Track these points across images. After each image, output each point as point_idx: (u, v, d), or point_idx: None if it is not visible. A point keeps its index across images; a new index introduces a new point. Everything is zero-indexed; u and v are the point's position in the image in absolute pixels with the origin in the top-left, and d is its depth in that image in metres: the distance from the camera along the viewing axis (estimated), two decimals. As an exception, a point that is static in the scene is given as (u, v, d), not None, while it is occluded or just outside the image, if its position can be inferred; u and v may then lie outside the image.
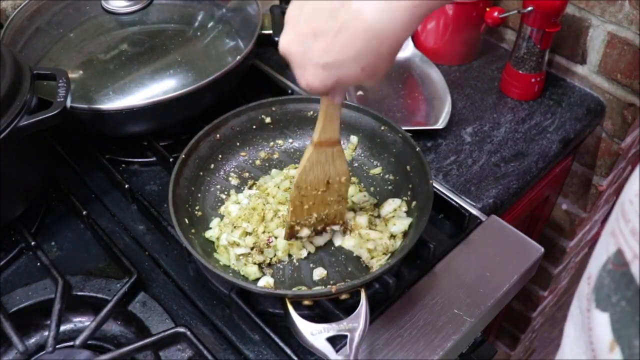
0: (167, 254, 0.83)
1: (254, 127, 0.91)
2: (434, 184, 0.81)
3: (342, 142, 0.91)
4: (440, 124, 0.99)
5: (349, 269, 0.77)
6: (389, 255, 0.76)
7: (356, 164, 0.90)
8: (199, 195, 0.84)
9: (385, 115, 0.87)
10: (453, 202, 0.85)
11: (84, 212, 0.84)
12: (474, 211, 0.87)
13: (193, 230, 0.78)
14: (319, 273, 0.76)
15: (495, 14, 1.04)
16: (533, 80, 1.06)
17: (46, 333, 0.72)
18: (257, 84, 1.06)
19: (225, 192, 0.86)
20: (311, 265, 0.78)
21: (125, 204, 0.90)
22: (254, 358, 0.73)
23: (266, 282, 0.74)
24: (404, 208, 0.81)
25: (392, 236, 0.78)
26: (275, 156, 0.91)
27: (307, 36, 0.54)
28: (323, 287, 0.73)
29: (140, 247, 0.84)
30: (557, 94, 1.10)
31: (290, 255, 0.78)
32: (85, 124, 0.89)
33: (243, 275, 0.75)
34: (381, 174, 0.88)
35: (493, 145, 0.99)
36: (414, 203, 0.81)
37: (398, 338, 0.73)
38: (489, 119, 1.04)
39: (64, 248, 0.84)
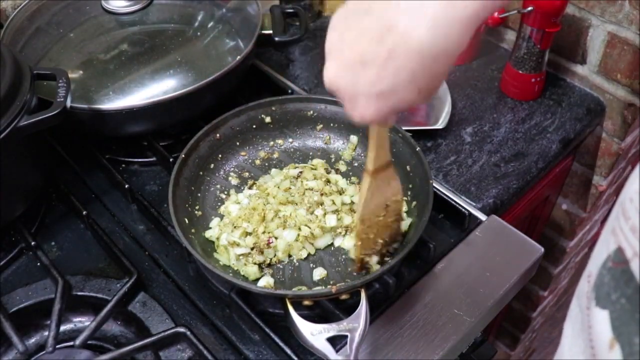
0: (167, 254, 0.83)
1: (254, 126, 0.91)
2: (434, 184, 0.81)
3: (342, 142, 0.92)
4: (440, 124, 0.99)
5: (349, 269, 0.77)
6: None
7: (356, 164, 0.90)
8: (199, 195, 0.84)
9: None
10: (453, 202, 0.85)
11: (84, 212, 0.84)
12: (474, 211, 0.86)
13: (193, 230, 0.78)
14: (319, 273, 0.76)
15: (495, 14, 1.04)
16: (533, 80, 1.06)
17: (46, 333, 0.72)
18: (257, 84, 1.06)
19: (225, 192, 0.86)
20: (311, 265, 0.78)
21: (125, 204, 0.90)
22: (254, 358, 0.73)
23: (266, 282, 0.74)
24: (404, 208, 0.81)
25: None
26: (275, 156, 0.91)
27: (354, 66, 0.50)
28: (323, 287, 0.73)
29: (140, 247, 0.84)
30: (557, 94, 1.10)
31: (290, 256, 0.78)
32: (85, 124, 0.89)
33: (243, 275, 0.75)
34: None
35: (493, 145, 0.99)
36: (414, 203, 0.80)
37: (398, 338, 0.73)
38: (489, 119, 1.04)
39: (64, 248, 0.84)
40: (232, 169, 0.89)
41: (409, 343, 0.72)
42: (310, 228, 0.78)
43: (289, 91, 1.03)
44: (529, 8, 0.98)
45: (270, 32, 1.02)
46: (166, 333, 0.71)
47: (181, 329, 0.71)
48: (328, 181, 0.85)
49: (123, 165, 0.95)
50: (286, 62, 1.16)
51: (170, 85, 0.89)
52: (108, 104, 0.86)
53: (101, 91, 0.87)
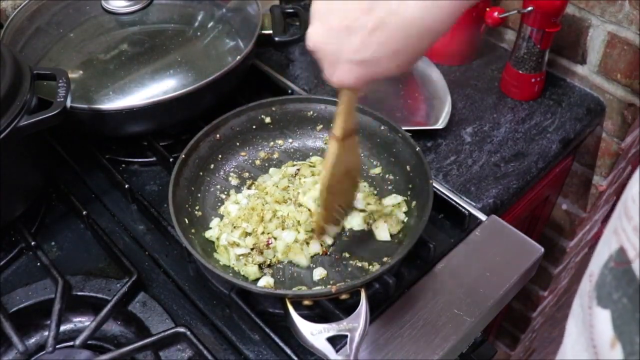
0: (167, 254, 0.83)
1: (254, 127, 0.91)
2: (434, 184, 0.81)
3: (342, 142, 0.92)
4: (440, 124, 0.99)
5: (349, 269, 0.77)
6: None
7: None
8: (199, 195, 0.84)
9: (385, 115, 0.87)
10: (453, 202, 0.85)
11: (84, 212, 0.84)
12: (474, 211, 0.86)
13: (193, 230, 0.78)
14: (319, 273, 0.76)
15: (495, 14, 1.04)
16: (533, 80, 1.06)
17: (46, 333, 0.72)
18: (257, 84, 1.06)
19: (225, 192, 0.86)
20: (311, 265, 0.78)
21: (125, 204, 0.90)
22: (254, 358, 0.73)
23: (266, 282, 0.74)
24: (404, 208, 0.81)
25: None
26: (275, 156, 0.91)
27: (339, 32, 0.51)
28: (323, 287, 0.73)
29: (140, 247, 0.84)
30: (557, 94, 1.10)
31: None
32: (85, 124, 0.89)
33: (243, 275, 0.75)
34: (381, 174, 0.88)
35: (493, 145, 0.99)
36: (414, 203, 0.81)
37: (398, 338, 0.73)
38: (489, 119, 1.04)
39: (64, 248, 0.84)
40: (232, 169, 0.89)
41: (409, 343, 0.72)
42: (302, 226, 0.78)
43: (289, 91, 1.03)
44: (529, 8, 0.98)
45: (270, 32, 1.02)
46: (166, 333, 0.71)
47: (181, 329, 0.71)
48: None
49: (123, 165, 0.95)
50: (286, 62, 1.16)
51: (170, 85, 0.89)
52: (108, 104, 0.86)
53: (101, 91, 0.87)
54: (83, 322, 0.78)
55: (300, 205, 0.80)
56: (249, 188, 0.86)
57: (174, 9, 1.02)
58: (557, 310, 1.78)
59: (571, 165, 1.23)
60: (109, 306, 0.73)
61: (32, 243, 0.81)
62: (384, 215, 0.80)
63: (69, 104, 0.77)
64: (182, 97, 0.86)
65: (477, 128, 1.02)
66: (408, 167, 0.83)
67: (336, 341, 0.65)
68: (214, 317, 0.76)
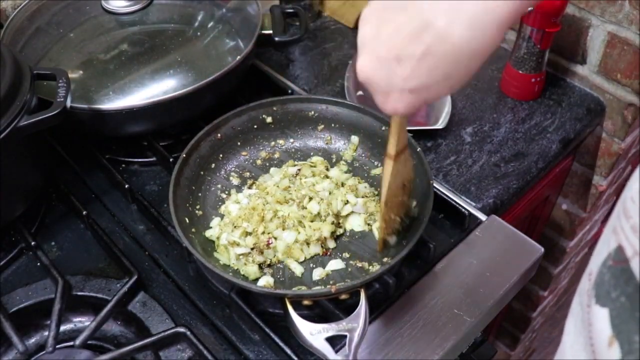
0: (167, 254, 0.83)
1: (255, 126, 0.91)
2: (434, 184, 0.81)
3: (343, 143, 0.92)
4: (440, 124, 0.99)
5: (349, 269, 0.77)
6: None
7: (357, 164, 0.90)
8: (200, 194, 0.84)
9: (386, 116, 0.87)
10: (453, 202, 0.85)
11: (84, 212, 0.84)
12: (474, 211, 0.87)
13: (193, 230, 0.78)
14: (318, 273, 0.76)
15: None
16: (533, 80, 1.06)
17: (46, 333, 0.72)
18: (257, 84, 1.06)
19: (226, 192, 0.86)
20: (311, 265, 0.78)
21: (125, 204, 0.90)
22: (254, 358, 0.73)
23: (266, 281, 0.74)
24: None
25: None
26: (276, 156, 0.91)
27: (389, 61, 0.51)
28: (323, 287, 0.73)
29: (140, 247, 0.84)
30: (557, 94, 1.10)
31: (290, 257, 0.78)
32: (85, 124, 0.89)
33: (243, 275, 0.75)
34: (381, 174, 0.88)
35: (493, 145, 0.99)
36: (414, 203, 0.81)
37: (398, 338, 0.73)
38: (489, 119, 1.04)
39: (64, 248, 0.84)
40: (233, 168, 0.89)
41: (409, 343, 0.72)
42: (304, 228, 0.78)
43: (289, 91, 1.03)
44: (529, 8, 0.98)
45: (270, 32, 1.02)
46: (166, 333, 0.71)
47: (181, 329, 0.71)
48: (327, 177, 0.85)
49: (123, 165, 0.95)
50: (286, 62, 1.16)
51: (170, 85, 0.89)
52: (108, 104, 0.86)
53: (101, 91, 0.87)
54: (83, 322, 0.78)
55: (304, 208, 0.80)
56: (249, 188, 0.86)
57: (174, 9, 1.02)
58: (557, 310, 1.78)
59: (571, 165, 1.23)
60: (109, 306, 0.73)
61: (32, 243, 0.81)
62: None
63: (69, 104, 0.77)
64: (182, 97, 0.86)
65: (477, 128, 1.02)
66: (408, 167, 0.83)
67: (335, 341, 0.65)
68: (214, 317, 0.76)
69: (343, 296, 0.71)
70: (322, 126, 0.92)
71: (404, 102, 0.53)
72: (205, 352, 0.69)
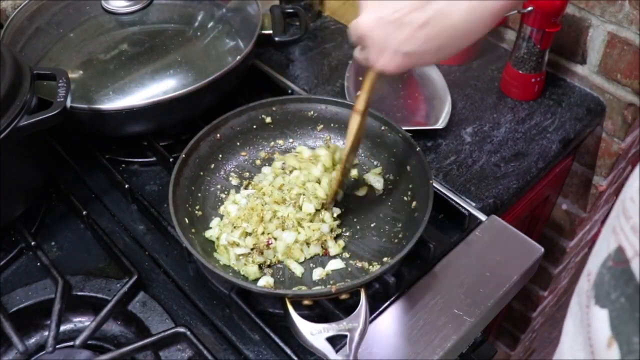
0: (167, 254, 0.83)
1: (255, 126, 0.91)
2: (434, 184, 0.81)
3: (342, 143, 0.92)
4: (440, 124, 0.99)
5: (349, 269, 0.77)
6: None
7: (356, 163, 0.90)
8: (199, 194, 0.84)
9: (385, 115, 0.87)
10: (453, 202, 0.85)
11: (84, 212, 0.84)
12: (474, 211, 0.86)
13: (193, 230, 0.78)
14: (318, 273, 0.76)
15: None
16: (533, 80, 1.06)
17: (46, 333, 0.72)
18: (257, 84, 1.06)
19: (226, 192, 0.86)
20: (311, 265, 0.78)
21: (125, 204, 0.90)
22: (254, 358, 0.73)
23: (266, 281, 0.74)
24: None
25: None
26: (276, 156, 0.91)
27: (391, 23, 0.56)
28: (323, 287, 0.73)
29: (140, 247, 0.84)
30: (557, 94, 1.10)
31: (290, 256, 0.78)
32: (85, 124, 0.89)
33: (243, 275, 0.75)
34: (381, 174, 0.88)
35: (493, 145, 0.99)
36: (414, 203, 0.81)
37: (398, 338, 0.73)
38: (489, 119, 1.04)
39: (64, 248, 0.84)
40: (232, 169, 0.89)
41: (409, 343, 0.72)
42: (304, 228, 0.78)
43: (289, 91, 1.03)
44: (529, 8, 0.98)
45: (270, 32, 1.02)
46: (166, 333, 0.71)
47: (181, 329, 0.71)
48: (316, 158, 0.86)
49: (123, 165, 0.95)
50: (286, 62, 1.16)
51: (170, 85, 0.89)
52: (108, 104, 0.86)
53: (101, 91, 0.87)
54: (83, 322, 0.78)
55: (300, 209, 0.80)
56: (245, 188, 0.86)
57: (174, 9, 1.02)
58: (557, 310, 1.78)
59: (571, 165, 1.23)
60: (109, 306, 0.73)
61: (32, 243, 0.81)
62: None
63: (69, 104, 0.77)
64: (182, 97, 0.86)
65: (477, 128, 1.02)
66: (408, 167, 0.83)
67: (336, 341, 0.65)
68: (214, 317, 0.76)
69: (343, 296, 0.71)
70: (322, 126, 0.92)
71: (395, 62, 0.59)
72: (205, 352, 0.69)
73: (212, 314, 0.77)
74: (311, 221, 0.79)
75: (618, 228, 0.37)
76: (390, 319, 0.74)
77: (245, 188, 0.86)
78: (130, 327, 0.77)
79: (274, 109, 0.91)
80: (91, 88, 0.88)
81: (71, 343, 0.71)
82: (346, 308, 0.70)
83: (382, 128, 0.87)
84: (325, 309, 0.72)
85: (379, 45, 0.59)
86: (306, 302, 0.71)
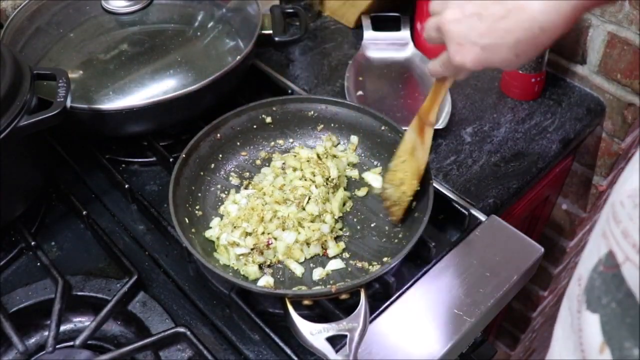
0: (167, 254, 0.83)
1: (255, 126, 0.91)
2: (434, 184, 0.81)
3: (342, 142, 0.92)
4: (440, 124, 0.99)
5: (349, 269, 0.77)
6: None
7: (356, 164, 0.90)
8: (200, 194, 0.84)
9: (385, 115, 0.87)
10: (453, 202, 0.85)
11: (84, 212, 0.84)
12: (474, 211, 0.86)
13: (193, 230, 0.78)
14: (319, 273, 0.76)
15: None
16: (533, 80, 1.06)
17: (46, 333, 0.72)
18: (257, 84, 1.06)
19: (226, 192, 0.86)
20: (311, 265, 0.78)
21: (125, 204, 0.90)
22: (254, 358, 0.73)
23: (266, 281, 0.74)
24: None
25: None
26: (276, 156, 0.91)
27: (472, 17, 0.58)
28: (323, 287, 0.74)
29: (140, 247, 0.84)
30: (557, 94, 1.10)
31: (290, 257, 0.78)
32: (85, 124, 0.89)
33: (243, 275, 0.75)
34: (381, 174, 0.88)
35: (493, 145, 0.99)
36: (414, 203, 0.80)
37: (398, 338, 0.73)
38: (489, 119, 1.04)
39: (64, 248, 0.84)
40: (232, 168, 0.89)
41: (409, 343, 0.72)
42: (304, 229, 0.78)
43: (289, 91, 1.03)
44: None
45: (270, 32, 1.02)
46: (166, 333, 0.71)
47: (181, 329, 0.71)
48: (319, 157, 0.86)
49: (123, 165, 0.95)
50: (286, 62, 1.16)
51: (170, 85, 0.89)
52: (108, 104, 0.86)
53: (101, 91, 0.87)
54: (83, 322, 0.78)
55: (303, 209, 0.80)
56: (246, 188, 0.86)
57: (174, 9, 1.02)
58: (557, 310, 1.78)
59: (571, 165, 1.23)
60: (109, 306, 0.73)
61: (32, 243, 0.81)
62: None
63: (69, 104, 0.77)
64: (182, 97, 0.86)
65: (477, 128, 1.02)
66: (408, 167, 0.83)
67: (336, 341, 0.65)
68: (214, 317, 0.76)
69: (343, 296, 0.71)
70: (322, 126, 0.92)
71: (473, 54, 0.59)
72: (205, 352, 0.69)
73: (212, 314, 0.77)
74: (312, 221, 0.79)
75: (608, 232, 0.37)
76: (390, 319, 0.74)
77: (246, 188, 0.86)
78: (130, 327, 0.77)
79: (274, 108, 0.91)
80: (91, 88, 0.88)
81: (71, 343, 0.71)
82: (346, 308, 0.70)
83: (382, 128, 0.87)
84: (325, 309, 0.72)
85: (459, 38, 0.60)
86: (306, 302, 0.71)
